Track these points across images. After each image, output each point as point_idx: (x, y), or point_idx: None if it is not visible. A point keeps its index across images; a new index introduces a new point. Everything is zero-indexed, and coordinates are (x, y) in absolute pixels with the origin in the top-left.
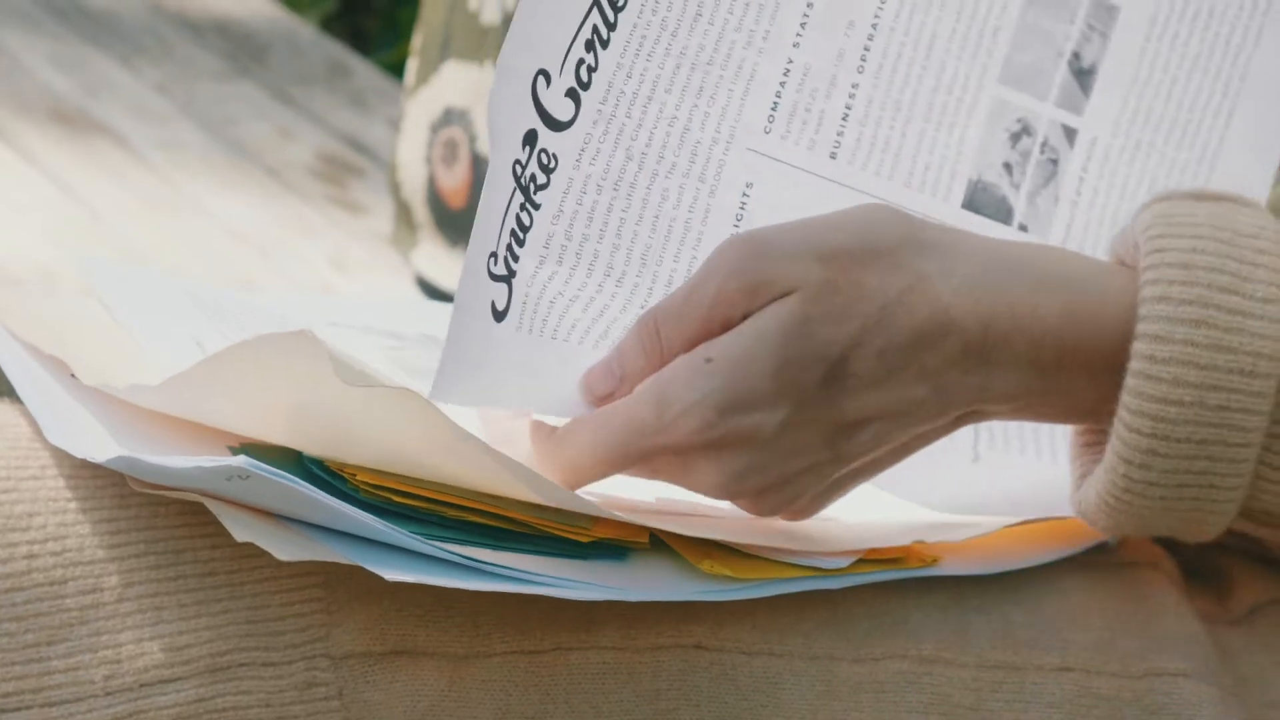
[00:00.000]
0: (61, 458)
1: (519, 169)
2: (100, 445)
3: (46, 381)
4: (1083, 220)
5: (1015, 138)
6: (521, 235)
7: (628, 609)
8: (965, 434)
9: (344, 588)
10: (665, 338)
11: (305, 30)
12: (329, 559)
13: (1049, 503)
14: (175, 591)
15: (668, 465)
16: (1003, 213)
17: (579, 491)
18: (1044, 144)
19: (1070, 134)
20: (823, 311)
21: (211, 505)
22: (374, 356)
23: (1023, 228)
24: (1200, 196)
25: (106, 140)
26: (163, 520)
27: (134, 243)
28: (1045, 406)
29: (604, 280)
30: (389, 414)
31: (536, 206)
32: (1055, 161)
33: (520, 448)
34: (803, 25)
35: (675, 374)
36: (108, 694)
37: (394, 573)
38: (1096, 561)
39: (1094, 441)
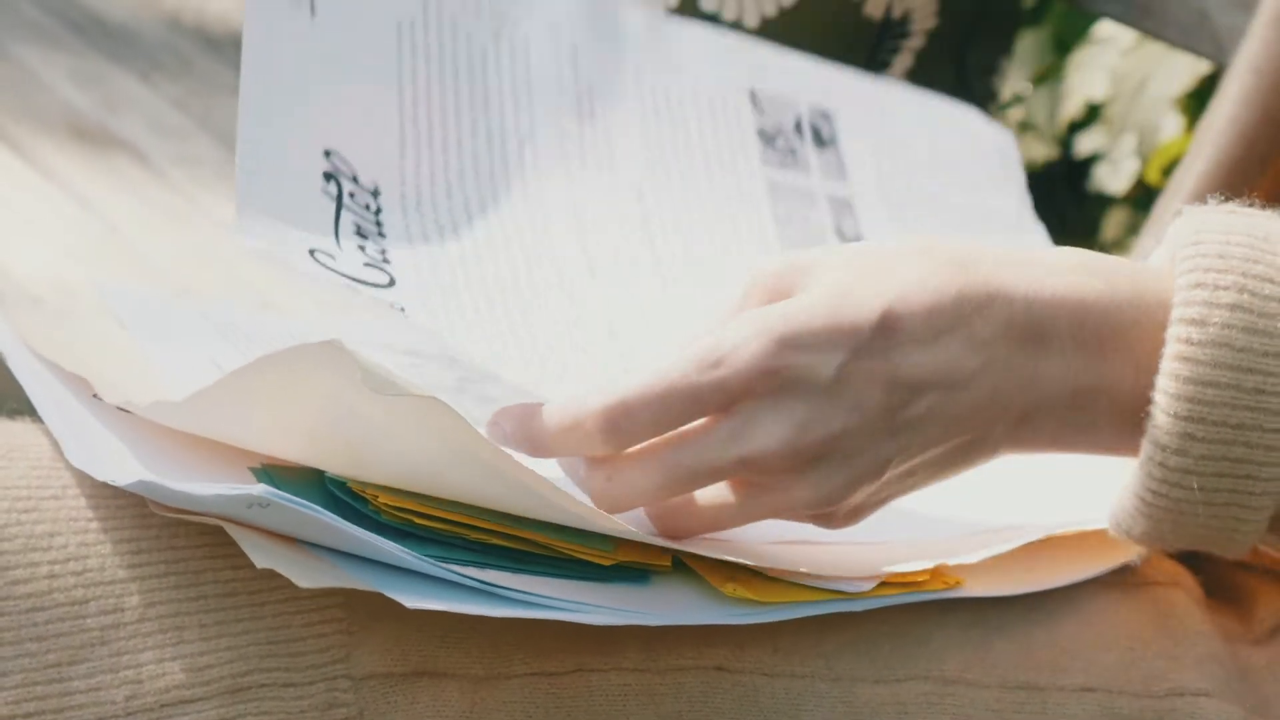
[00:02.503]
0: (83, 477)
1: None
2: (121, 467)
3: (68, 401)
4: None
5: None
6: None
7: (649, 631)
8: None
9: (365, 608)
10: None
11: None
12: (349, 585)
13: (1073, 505)
14: (196, 612)
15: (730, 460)
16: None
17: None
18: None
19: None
20: (860, 276)
21: (232, 530)
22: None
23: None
24: (1232, 210)
25: (125, 156)
26: (184, 540)
27: (152, 258)
28: (1088, 416)
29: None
30: (415, 423)
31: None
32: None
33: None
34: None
35: (727, 325)
36: (129, 714)
37: (415, 600)
38: (1118, 581)
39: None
